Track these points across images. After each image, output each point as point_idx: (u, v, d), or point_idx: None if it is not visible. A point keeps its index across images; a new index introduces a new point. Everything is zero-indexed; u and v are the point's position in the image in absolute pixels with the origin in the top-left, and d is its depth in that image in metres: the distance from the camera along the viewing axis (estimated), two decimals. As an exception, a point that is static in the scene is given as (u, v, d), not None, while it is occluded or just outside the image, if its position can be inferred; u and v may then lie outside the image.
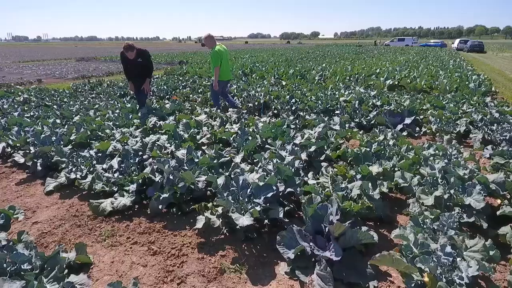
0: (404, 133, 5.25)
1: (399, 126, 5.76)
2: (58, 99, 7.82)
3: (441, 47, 47.53)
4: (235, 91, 8.01)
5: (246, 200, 2.77)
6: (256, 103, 7.28)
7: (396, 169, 3.42)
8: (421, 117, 6.11)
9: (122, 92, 8.72)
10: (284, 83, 9.25)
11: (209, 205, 2.87)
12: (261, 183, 2.76)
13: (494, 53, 36.29)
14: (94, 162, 3.95)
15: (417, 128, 5.76)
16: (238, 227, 2.70)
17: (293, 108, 6.86)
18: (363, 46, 50.99)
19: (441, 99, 7.17)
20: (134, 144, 3.84)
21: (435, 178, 3.18)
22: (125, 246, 2.72)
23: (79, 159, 4.00)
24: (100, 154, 4.07)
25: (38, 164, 4.11)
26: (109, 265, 2.49)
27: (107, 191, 3.43)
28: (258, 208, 2.60)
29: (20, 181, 4.00)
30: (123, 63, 5.79)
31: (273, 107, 6.98)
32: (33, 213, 3.26)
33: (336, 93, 7.90)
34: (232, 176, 3.05)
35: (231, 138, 4.24)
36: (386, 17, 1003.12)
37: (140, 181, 3.36)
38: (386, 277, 2.36)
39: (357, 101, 6.64)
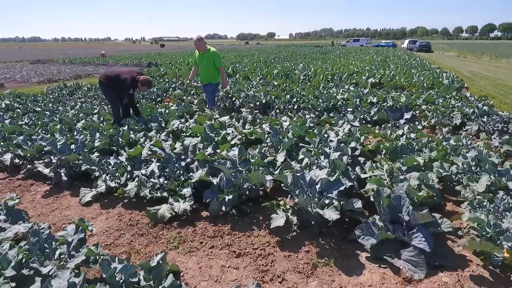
0: (406, 127, 5.64)
1: (401, 121, 6.15)
2: (42, 104, 7.24)
3: (392, 47, 50.76)
4: (231, 91, 7.98)
5: (317, 195, 2.85)
6: (258, 103, 7.33)
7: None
8: (417, 112, 6.58)
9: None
10: (276, 83, 9.38)
11: (281, 202, 2.91)
12: (331, 178, 2.85)
13: (440, 53, 39.61)
14: (129, 168, 3.77)
15: (416, 122, 6.20)
16: (312, 222, 2.79)
17: (295, 107, 7.03)
18: (322, 47, 52.85)
19: (431, 95, 7.74)
20: (174, 148, 3.72)
21: (469, 166, 3.50)
22: (204, 251, 2.67)
23: (109, 166, 3.80)
24: (132, 160, 3.90)
25: (63, 174, 3.83)
26: (198, 271, 2.44)
27: (154, 197, 3.31)
28: (335, 203, 2.69)
29: (45, 194, 3.70)
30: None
31: (276, 106, 7.08)
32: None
33: (330, 91, 8.21)
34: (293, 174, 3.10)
35: (266, 138, 4.27)
36: (337, 19, 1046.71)
37: (191, 185, 3.29)
38: (463, 257, 2.58)
39: (358, 99, 6.96)
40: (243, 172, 3.16)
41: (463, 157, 3.65)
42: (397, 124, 5.91)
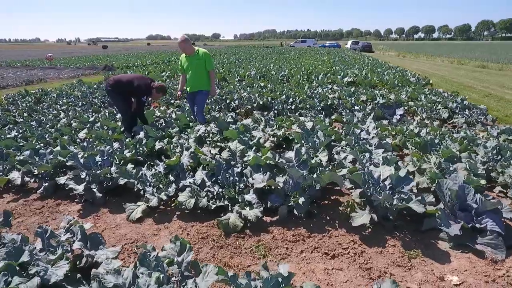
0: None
1: (395, 117, 6.60)
2: (16, 113, 6.42)
3: (337, 48, 53.68)
4: (223, 94, 7.85)
5: (388, 191, 2.98)
6: (255, 104, 7.32)
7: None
8: (406, 107, 7.11)
9: (100, 102, 7.62)
10: (262, 84, 9.42)
11: (357, 201, 2.98)
12: (402, 174, 3.00)
13: (381, 52, 42.91)
14: (172, 178, 3.55)
15: (408, 118, 6.70)
16: (390, 216, 2.91)
17: (293, 107, 7.16)
18: (273, 47, 53.98)
19: (410, 92, 8.39)
20: (213, 154, 3.59)
21: (493, 155, 3.91)
22: (296, 256, 2.64)
23: (148, 178, 3.54)
24: (171, 170, 3.67)
25: (95, 190, 3.48)
26: (304, 277, 2.41)
27: (212, 207, 3.17)
28: (413, 197, 2.84)
29: (80, 213, 3.32)
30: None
31: (275, 107, 7.13)
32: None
33: (319, 91, 8.48)
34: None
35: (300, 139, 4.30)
36: (279, 20, 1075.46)
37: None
38: (524, 236, 2.89)
39: (352, 98, 7.30)
40: (304, 173, 3.15)
41: (484, 147, 4.06)
42: (393, 120, 6.35)
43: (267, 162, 3.48)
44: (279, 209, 3.09)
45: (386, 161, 3.42)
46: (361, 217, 2.81)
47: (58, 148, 4.16)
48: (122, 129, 5.03)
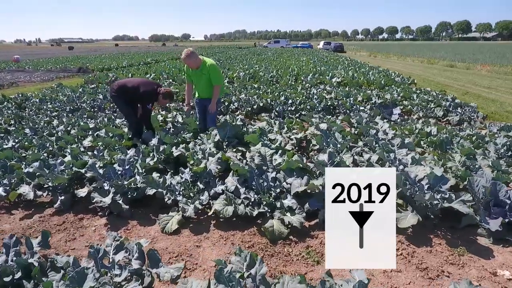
0: (399, 120, 6.31)
1: (393, 116, 6.80)
2: (2, 121, 5.92)
3: (310, 48, 54.61)
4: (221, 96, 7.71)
5: (430, 191, 3.04)
6: (255, 106, 7.25)
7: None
8: (401, 106, 7.34)
9: (89, 106, 7.19)
10: (255, 85, 9.35)
11: (398, 202, 3.02)
12: (439, 174, 3.07)
13: (353, 52, 44.20)
14: (202, 186, 3.42)
15: (406, 116, 6.93)
16: (431, 215, 2.97)
17: (293, 108, 7.17)
18: (248, 48, 53.99)
19: (401, 91, 8.67)
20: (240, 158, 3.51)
21: (504, 151, 4.12)
22: (351, 260, 2.62)
23: (176, 186, 3.40)
24: (197, 177, 3.54)
25: (121, 202, 3.27)
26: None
27: (253, 214, 3.09)
28: (453, 197, 2.92)
29: (108, 227, 3.11)
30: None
31: (276, 109, 7.10)
32: (197, 259, 2.67)
33: (313, 91, 8.57)
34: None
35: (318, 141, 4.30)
36: (249, 20, 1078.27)
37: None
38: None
39: (350, 98, 7.43)
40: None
41: (494, 144, 4.27)
42: (391, 119, 6.53)
43: (298, 165, 3.44)
44: (318, 213, 3.07)
45: (415, 161, 3.50)
46: (407, 218, 2.85)
47: (68, 158, 3.89)
48: (130, 136, 4.78)
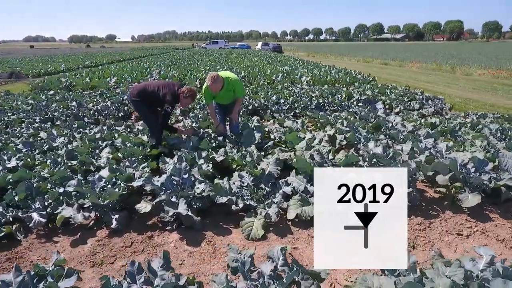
0: (382, 113, 6.91)
1: (379, 111, 7.38)
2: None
3: (247, 49, 55.47)
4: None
5: (473, 174, 3.44)
6: (250, 107, 7.24)
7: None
8: (381, 101, 8.00)
9: (64, 116, 6.34)
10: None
11: (457, 185, 3.36)
12: (481, 158, 3.50)
13: (291, 53, 46.05)
14: (268, 189, 3.38)
15: (388, 110, 7.57)
16: (483, 194, 3.37)
17: (286, 107, 7.33)
18: (186, 49, 52.70)
19: (368, 88, 9.39)
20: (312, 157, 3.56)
21: (499, 135, 4.81)
22: (441, 241, 2.86)
23: (242, 191, 3.31)
24: (257, 181, 3.48)
25: (192, 213, 3.06)
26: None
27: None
28: (501, 176, 3.36)
29: (187, 242, 2.89)
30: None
31: (272, 108, 7.18)
32: (306, 261, 2.65)
33: (296, 90, 8.84)
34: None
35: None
36: (179, 21, 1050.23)
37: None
38: None
39: (338, 96, 7.84)
40: (413, 166, 3.40)
41: (488, 129, 4.96)
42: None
43: (357, 160, 3.60)
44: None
45: (449, 149, 3.91)
46: (470, 198, 3.19)
47: (106, 172, 3.48)
48: (153, 144, 4.43)
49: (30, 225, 2.96)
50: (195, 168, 3.49)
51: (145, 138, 4.67)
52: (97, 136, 4.77)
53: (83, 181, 3.42)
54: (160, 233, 3.03)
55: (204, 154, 3.87)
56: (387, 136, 4.70)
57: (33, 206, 3.10)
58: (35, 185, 3.26)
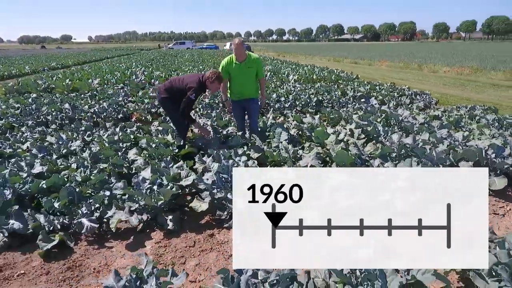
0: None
1: (375, 106, 7.73)
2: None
3: (216, 49, 55.09)
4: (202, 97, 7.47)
5: (499, 159, 3.76)
6: (253, 106, 7.26)
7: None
8: (374, 97, 8.38)
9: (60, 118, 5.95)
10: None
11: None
12: (500, 144, 3.83)
13: (261, 53, 46.40)
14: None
15: (382, 106, 7.95)
16: (506, 176, 3.70)
17: (287, 105, 7.46)
18: (153, 50, 51.26)
19: (356, 85, 9.78)
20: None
21: (497, 125, 5.26)
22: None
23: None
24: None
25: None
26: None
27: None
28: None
29: (249, 238, 2.90)
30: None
31: (275, 106, 7.28)
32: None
33: (289, 88, 9.01)
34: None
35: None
36: (139, 21, 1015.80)
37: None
38: None
39: (335, 93, 8.10)
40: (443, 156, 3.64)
41: (485, 119, 5.41)
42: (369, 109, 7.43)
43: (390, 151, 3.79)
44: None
45: (465, 138, 4.24)
46: (497, 182, 3.49)
47: (147, 173, 3.38)
48: (181, 143, 4.33)
49: (82, 231, 2.82)
50: (241, 165, 3.48)
51: (169, 137, 4.56)
52: (115, 138, 4.58)
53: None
54: (219, 231, 3.00)
55: (240, 151, 3.86)
56: (402, 129, 4.97)
57: (79, 212, 2.94)
58: (77, 189, 3.09)
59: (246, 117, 4.98)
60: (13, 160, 3.96)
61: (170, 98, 4.23)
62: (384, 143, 4.24)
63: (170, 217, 3.01)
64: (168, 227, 2.95)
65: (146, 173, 3.38)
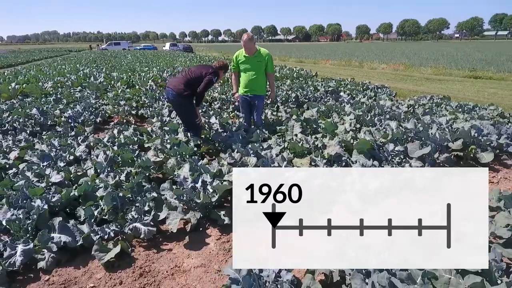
0: (365, 100, 7.90)
1: (345, 99, 8.33)
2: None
3: (154, 50, 53.00)
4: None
5: (485, 137, 4.41)
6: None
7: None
8: (342, 92, 8.99)
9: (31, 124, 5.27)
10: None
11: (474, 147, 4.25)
12: (479, 125, 4.50)
13: (204, 53, 45.90)
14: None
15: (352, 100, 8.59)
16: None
17: (268, 101, 7.64)
18: (83, 51, 47.33)
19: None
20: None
21: (459, 111, 6.11)
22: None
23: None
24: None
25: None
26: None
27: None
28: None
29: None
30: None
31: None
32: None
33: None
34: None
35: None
36: (58, 21, 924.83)
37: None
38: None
39: (311, 88, 8.48)
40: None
41: (450, 106, 6.23)
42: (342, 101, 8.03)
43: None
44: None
45: (447, 122, 4.88)
46: (485, 156, 4.10)
47: (185, 171, 3.29)
48: (199, 142, 4.24)
49: (141, 236, 2.67)
50: (278, 157, 3.57)
51: (180, 136, 4.42)
52: (122, 141, 4.30)
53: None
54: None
55: (265, 145, 3.95)
56: (391, 118, 5.49)
57: (129, 217, 2.77)
58: (120, 194, 2.89)
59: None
60: (11, 171, 3.52)
61: (191, 94, 4.19)
62: (380, 130, 4.68)
63: (223, 212, 2.99)
64: (225, 222, 2.94)
65: (183, 172, 3.29)
